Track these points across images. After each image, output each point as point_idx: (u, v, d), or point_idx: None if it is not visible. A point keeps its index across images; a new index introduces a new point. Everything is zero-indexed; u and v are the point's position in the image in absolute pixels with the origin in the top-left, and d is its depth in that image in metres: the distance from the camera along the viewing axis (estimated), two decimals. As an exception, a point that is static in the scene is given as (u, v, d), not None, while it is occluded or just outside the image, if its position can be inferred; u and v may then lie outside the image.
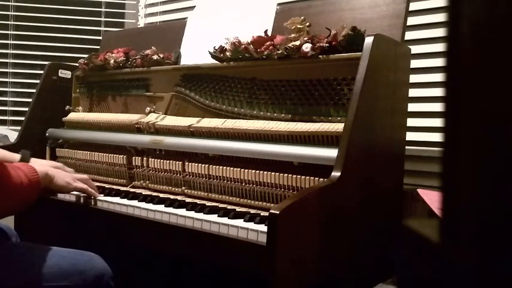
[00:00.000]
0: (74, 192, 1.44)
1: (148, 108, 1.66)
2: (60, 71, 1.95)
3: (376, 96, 1.19)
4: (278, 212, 0.93)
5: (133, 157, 1.59)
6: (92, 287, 1.16)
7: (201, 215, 1.17)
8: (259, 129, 1.32)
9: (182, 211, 1.22)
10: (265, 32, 1.42)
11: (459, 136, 0.38)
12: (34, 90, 1.98)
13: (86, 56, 1.91)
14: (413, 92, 1.48)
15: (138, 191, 1.51)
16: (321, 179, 1.13)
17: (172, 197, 1.41)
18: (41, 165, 1.32)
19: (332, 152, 1.11)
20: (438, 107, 1.58)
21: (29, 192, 1.19)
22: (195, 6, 1.82)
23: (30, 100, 1.99)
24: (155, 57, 1.67)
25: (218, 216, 1.16)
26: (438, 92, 1.60)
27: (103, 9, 2.60)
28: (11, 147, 1.79)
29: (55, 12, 2.56)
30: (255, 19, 1.54)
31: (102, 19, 2.60)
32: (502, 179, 0.37)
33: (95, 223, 1.45)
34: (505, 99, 0.36)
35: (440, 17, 1.60)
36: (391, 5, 1.30)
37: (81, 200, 1.44)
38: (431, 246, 0.42)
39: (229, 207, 1.29)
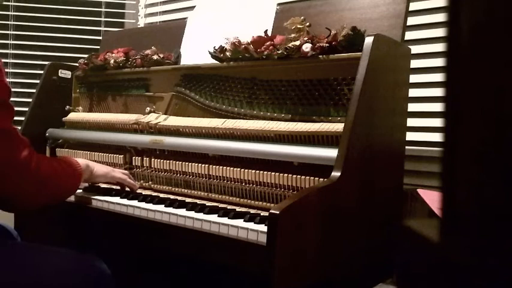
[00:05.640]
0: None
1: (148, 108, 1.66)
2: (60, 71, 1.95)
3: (376, 96, 1.19)
4: (278, 212, 0.93)
5: (134, 157, 1.59)
6: (92, 287, 1.16)
7: (201, 215, 1.17)
8: (259, 129, 1.32)
9: (182, 211, 1.22)
10: (265, 32, 1.42)
11: (459, 136, 0.38)
12: (34, 90, 1.98)
13: (86, 56, 1.91)
14: (413, 92, 1.48)
15: (138, 191, 1.51)
16: (321, 179, 1.13)
17: (172, 197, 1.41)
18: (81, 159, 1.43)
19: (332, 152, 1.11)
20: (438, 107, 1.58)
21: (73, 183, 1.31)
22: (195, 6, 1.82)
23: (30, 100, 1.99)
24: (155, 57, 1.67)
25: (218, 216, 1.16)
26: (438, 92, 1.60)
27: (103, 9, 2.60)
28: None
29: (55, 12, 2.56)
30: (255, 19, 1.54)
31: (102, 19, 2.60)
32: (501, 179, 0.37)
33: (95, 223, 1.45)
34: (504, 99, 0.36)
35: (440, 17, 1.60)
36: (391, 5, 1.31)
37: (82, 200, 1.44)
38: (431, 246, 0.42)
39: (229, 207, 1.29)
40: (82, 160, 1.39)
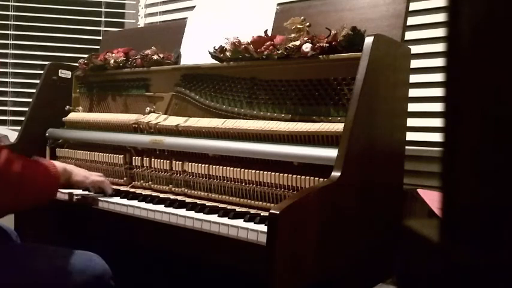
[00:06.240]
0: (76, 192, 1.45)
1: (148, 108, 1.66)
2: (60, 71, 1.95)
3: (376, 96, 1.19)
4: (278, 212, 0.93)
5: (133, 157, 1.59)
6: (92, 286, 1.16)
7: (201, 215, 1.17)
8: (259, 129, 1.32)
9: (182, 211, 1.22)
10: (265, 32, 1.42)
11: (459, 136, 0.38)
12: (34, 90, 1.98)
13: (86, 56, 1.91)
14: (413, 92, 1.48)
15: (138, 191, 1.51)
16: (321, 179, 1.13)
17: (172, 197, 1.41)
18: (59, 162, 1.38)
19: (332, 152, 1.11)
20: (438, 107, 1.58)
21: (49, 185, 1.24)
22: (195, 6, 1.82)
23: (30, 100, 1.99)
24: (155, 57, 1.67)
25: (218, 216, 1.16)
26: (438, 92, 1.60)
27: (103, 9, 2.60)
28: (11, 147, 1.79)
29: (55, 12, 2.56)
30: (255, 19, 1.54)
31: (102, 19, 2.60)
32: (501, 179, 0.37)
33: (95, 223, 1.45)
34: (504, 99, 0.36)
35: (440, 17, 1.60)
36: (391, 5, 1.31)
37: (81, 200, 1.44)
38: (431, 246, 0.42)
39: (229, 207, 1.29)
40: (59, 163, 1.35)
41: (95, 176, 1.44)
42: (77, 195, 1.45)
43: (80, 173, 1.40)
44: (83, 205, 1.42)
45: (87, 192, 1.46)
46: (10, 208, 1.19)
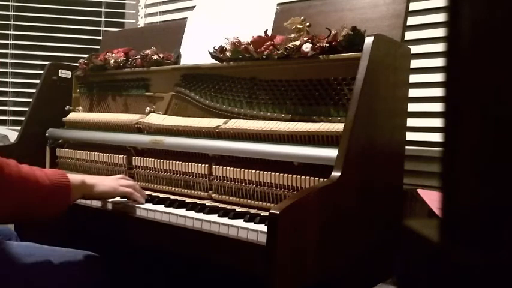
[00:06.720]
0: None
1: (148, 108, 1.66)
2: (60, 71, 1.95)
3: (376, 96, 1.19)
4: (278, 212, 0.93)
5: (133, 157, 1.59)
6: (92, 286, 1.16)
7: (201, 215, 1.17)
8: (259, 129, 1.32)
9: (182, 211, 1.22)
10: (265, 32, 1.42)
11: (459, 136, 0.38)
12: (34, 90, 1.98)
13: (86, 56, 1.91)
14: (413, 92, 1.48)
15: (138, 191, 1.50)
16: (321, 179, 1.13)
17: (172, 197, 1.41)
18: (80, 175, 1.23)
19: (332, 152, 1.11)
20: (438, 107, 1.58)
21: (51, 196, 1.10)
22: (195, 6, 1.82)
23: (30, 100, 1.99)
24: (155, 57, 1.67)
25: (218, 216, 1.16)
26: (438, 92, 1.60)
27: (103, 9, 2.60)
28: (11, 147, 1.79)
29: (55, 12, 2.56)
30: (255, 19, 1.54)
31: (102, 19, 2.60)
32: (501, 179, 0.37)
33: (94, 223, 1.45)
34: (504, 99, 0.36)
35: (440, 17, 1.60)
36: (391, 5, 1.31)
37: (81, 200, 1.43)
38: (431, 246, 0.42)
39: (229, 207, 1.29)
40: (77, 176, 1.21)
41: (124, 188, 1.29)
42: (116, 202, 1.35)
43: (106, 184, 1.26)
44: (83, 205, 1.42)
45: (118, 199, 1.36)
46: (12, 216, 1.12)
